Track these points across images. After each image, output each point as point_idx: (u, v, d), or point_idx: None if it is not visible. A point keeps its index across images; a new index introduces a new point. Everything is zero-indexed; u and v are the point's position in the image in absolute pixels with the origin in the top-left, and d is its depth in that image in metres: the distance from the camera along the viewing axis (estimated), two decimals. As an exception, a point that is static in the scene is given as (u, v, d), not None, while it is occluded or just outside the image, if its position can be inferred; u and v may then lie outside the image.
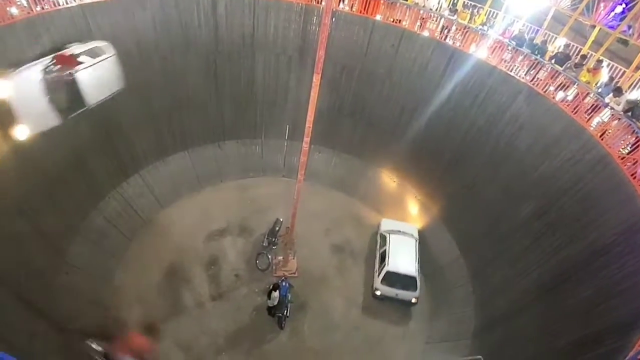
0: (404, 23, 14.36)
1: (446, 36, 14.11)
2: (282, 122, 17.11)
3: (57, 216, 11.99)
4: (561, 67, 12.45)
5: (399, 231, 15.04)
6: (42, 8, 10.34)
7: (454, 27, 13.97)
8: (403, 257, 13.97)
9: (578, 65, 12.74)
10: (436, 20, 14.36)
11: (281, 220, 14.95)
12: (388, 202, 17.23)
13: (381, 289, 13.75)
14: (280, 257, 14.64)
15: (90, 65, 10.34)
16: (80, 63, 10.18)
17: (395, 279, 13.52)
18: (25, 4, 10.11)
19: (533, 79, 12.51)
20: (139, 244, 14.30)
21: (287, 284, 12.73)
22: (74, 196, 12.70)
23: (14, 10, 9.89)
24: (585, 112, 11.30)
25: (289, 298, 12.80)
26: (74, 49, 10.41)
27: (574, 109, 11.40)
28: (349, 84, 15.98)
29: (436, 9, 15.06)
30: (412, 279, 13.47)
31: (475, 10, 15.46)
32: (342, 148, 18.00)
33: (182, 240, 14.86)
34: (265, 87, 16.31)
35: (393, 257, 13.89)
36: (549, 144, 11.79)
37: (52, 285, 11.07)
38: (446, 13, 14.47)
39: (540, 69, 12.54)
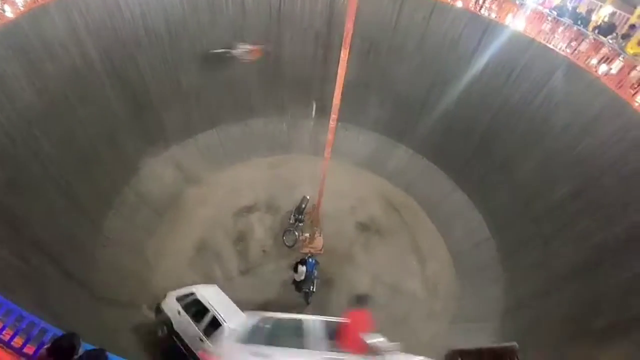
0: (436, -6, 13.74)
1: (481, 7, 13.42)
2: (308, 99, 16.96)
3: (92, 191, 12.48)
4: (606, 38, 11.64)
5: None
6: (73, -13, 10.50)
7: (489, -3, 13.26)
8: None
9: (625, 36, 11.89)
10: (471, -10, 13.64)
11: (308, 197, 15.02)
12: (416, 181, 16.95)
13: None
14: (307, 234, 14.77)
15: None
16: None
17: None
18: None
19: (574, 51, 11.78)
20: (169, 219, 14.73)
21: (313, 261, 12.87)
22: (107, 172, 13.15)
23: (46, -10, 10.08)
24: (631, 86, 10.58)
25: (315, 274, 12.96)
26: None
27: (618, 83, 10.70)
28: (377, 59, 15.55)
29: (471, -22, 14.29)
30: None
31: (513, -21, 14.60)
32: (369, 125, 17.70)
33: (211, 216, 15.20)
34: (292, 63, 16.11)
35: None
36: (589, 121, 11.17)
37: (89, 258, 11.63)
38: (482, -18, 13.72)
39: (582, 40, 11.77)
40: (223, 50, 14.46)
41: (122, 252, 12.90)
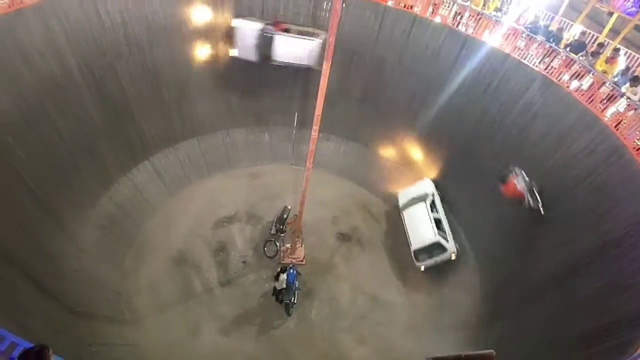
0: (415, 9, 14.08)
1: (459, 23, 13.82)
2: (291, 109, 17.02)
3: (68, 201, 12.15)
4: (576, 55, 12.14)
5: (412, 199, 15.49)
6: (53, -6, 10.30)
7: (467, 14, 13.66)
8: (420, 229, 14.46)
9: (594, 54, 12.42)
10: (449, 6, 14.06)
11: (289, 208, 14.97)
12: (397, 192, 17.11)
13: (422, 264, 14.34)
14: (288, 245, 14.70)
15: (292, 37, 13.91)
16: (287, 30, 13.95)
17: (424, 251, 14.18)
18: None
19: (547, 67, 12.23)
20: (148, 230, 14.45)
21: (294, 271, 12.80)
22: (84, 181, 12.83)
23: (27, -3, 9.86)
24: (600, 101, 11.04)
25: (297, 285, 12.88)
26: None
27: (589, 98, 11.15)
28: (359, 70, 15.79)
29: (449, -5, 14.74)
30: (436, 244, 13.94)
31: (489, -4, 15.10)
32: (351, 136, 17.86)
33: (191, 226, 14.99)
34: (274, 74, 16.16)
35: (412, 234, 14.68)
36: (562, 134, 11.57)
37: (64, 269, 11.25)
38: (459, -1, 14.16)
39: (554, 57, 12.24)
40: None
41: (97, 264, 12.54)
